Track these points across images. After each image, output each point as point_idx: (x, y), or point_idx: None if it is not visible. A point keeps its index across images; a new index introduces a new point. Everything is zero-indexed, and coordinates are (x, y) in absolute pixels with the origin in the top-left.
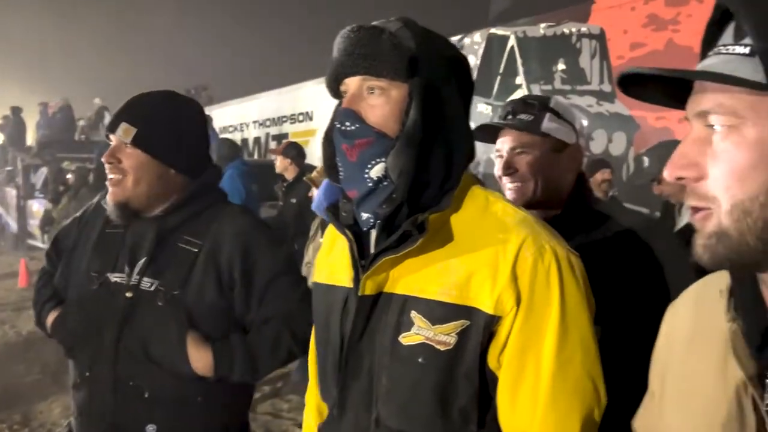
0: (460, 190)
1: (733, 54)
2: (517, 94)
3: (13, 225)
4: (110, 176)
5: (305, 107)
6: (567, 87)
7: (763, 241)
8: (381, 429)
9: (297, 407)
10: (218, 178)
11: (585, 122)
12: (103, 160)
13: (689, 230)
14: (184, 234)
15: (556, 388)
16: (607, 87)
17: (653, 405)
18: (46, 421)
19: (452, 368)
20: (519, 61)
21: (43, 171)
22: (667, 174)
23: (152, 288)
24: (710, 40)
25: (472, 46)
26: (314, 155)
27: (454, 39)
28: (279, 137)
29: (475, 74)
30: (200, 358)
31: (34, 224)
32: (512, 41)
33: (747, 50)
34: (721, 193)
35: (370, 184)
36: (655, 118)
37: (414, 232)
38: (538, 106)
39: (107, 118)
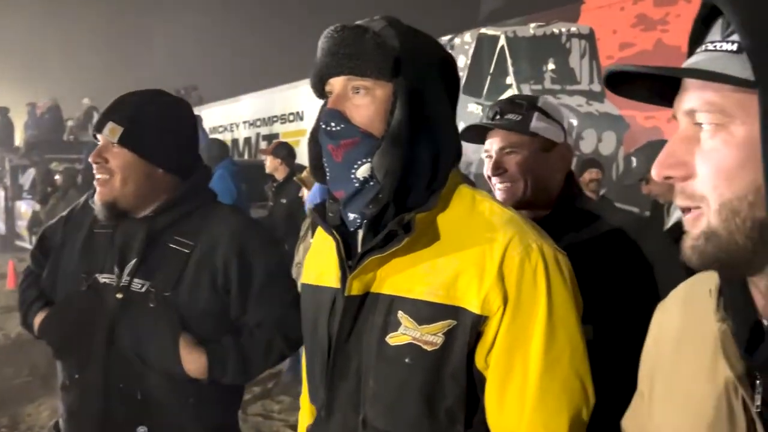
0: (447, 189)
1: (720, 51)
2: (508, 94)
3: (1, 226)
4: (97, 176)
5: (296, 107)
6: (557, 87)
7: (753, 240)
8: (368, 430)
9: (288, 408)
10: (208, 179)
11: (574, 122)
12: (90, 159)
13: (678, 229)
14: (174, 234)
15: (543, 387)
16: (596, 87)
17: (642, 405)
18: (34, 424)
19: (439, 368)
20: (509, 61)
21: (31, 172)
22: (655, 173)
23: (143, 289)
24: (697, 37)
25: (463, 46)
26: (305, 155)
27: (445, 39)
28: (269, 137)
29: (465, 74)
30: (193, 361)
31: (22, 225)
32: (502, 41)
33: (734, 47)
34: (709, 192)
35: (357, 185)
36: (644, 118)
37: (400, 232)
38: (526, 105)
39: (96, 119)
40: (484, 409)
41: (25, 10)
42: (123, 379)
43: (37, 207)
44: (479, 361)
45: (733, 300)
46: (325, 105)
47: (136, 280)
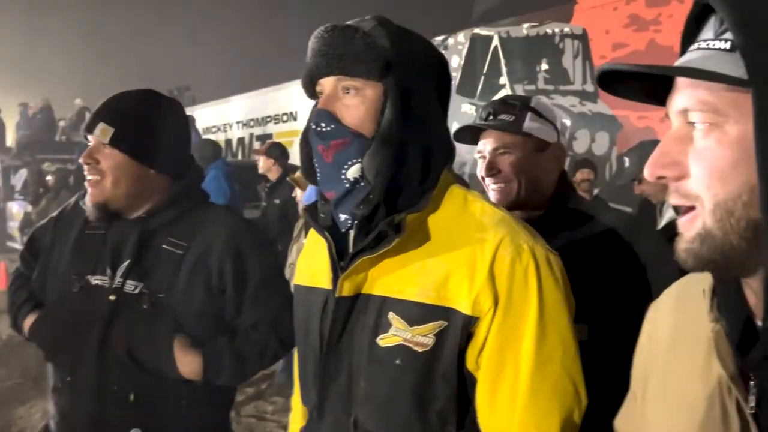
0: (438, 190)
1: (713, 49)
2: (501, 94)
3: None
4: (89, 177)
5: (289, 107)
6: (550, 87)
7: (747, 241)
8: (359, 431)
9: (281, 409)
10: (201, 179)
11: (567, 122)
12: (80, 161)
13: (671, 229)
14: (168, 236)
15: (534, 388)
16: (589, 87)
17: (635, 405)
18: (25, 426)
19: (430, 370)
20: (502, 61)
21: (23, 172)
22: (648, 173)
23: (137, 291)
24: (690, 36)
25: (456, 46)
26: (298, 156)
27: (438, 39)
28: (263, 138)
29: (459, 74)
30: (188, 363)
31: (13, 226)
32: (496, 41)
33: (728, 45)
34: (703, 192)
35: (347, 185)
36: (637, 118)
37: (390, 233)
38: (519, 106)
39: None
40: (476, 410)
41: (17, 10)
42: (116, 381)
43: (29, 208)
44: (470, 362)
45: (727, 300)
46: (316, 105)
47: (129, 281)
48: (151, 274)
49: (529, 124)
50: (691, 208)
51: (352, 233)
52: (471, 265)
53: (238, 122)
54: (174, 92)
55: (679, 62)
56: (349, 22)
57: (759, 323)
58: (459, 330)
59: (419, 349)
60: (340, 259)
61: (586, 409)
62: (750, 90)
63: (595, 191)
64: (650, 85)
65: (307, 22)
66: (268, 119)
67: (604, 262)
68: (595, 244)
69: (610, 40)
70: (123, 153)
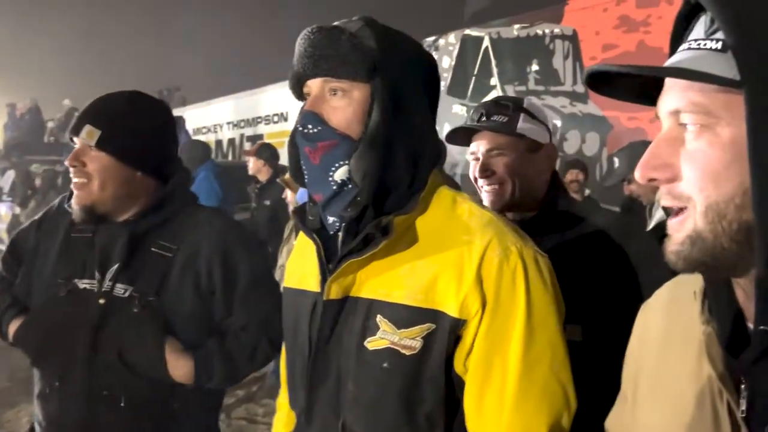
0: (427, 191)
1: (704, 49)
2: (492, 95)
3: None
4: (75, 180)
5: (280, 108)
6: (540, 88)
7: (738, 243)
8: None
9: (272, 412)
10: (189, 181)
11: (558, 122)
12: (66, 163)
13: (661, 229)
14: (157, 238)
15: (522, 390)
16: (580, 88)
17: (625, 406)
18: (13, 430)
19: (418, 373)
20: (493, 62)
21: (11, 174)
22: (639, 175)
23: (126, 294)
24: (679, 35)
25: (447, 47)
26: None
27: (429, 40)
28: (254, 138)
29: (449, 75)
30: (180, 367)
31: (2, 228)
32: (486, 42)
33: (719, 45)
34: (695, 193)
35: (335, 188)
36: (627, 119)
37: (378, 235)
38: (512, 107)
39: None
40: (464, 413)
41: (4, 11)
42: (107, 385)
43: (17, 210)
44: (458, 365)
45: (718, 302)
46: (303, 107)
47: (118, 285)
48: (140, 277)
49: (523, 125)
50: (682, 210)
51: (340, 235)
52: (459, 267)
53: (228, 123)
54: (164, 93)
55: (669, 62)
56: (335, 23)
57: (750, 325)
58: (447, 333)
59: (407, 352)
60: (329, 262)
61: (578, 410)
62: (742, 91)
63: (587, 192)
64: (640, 85)
65: (302, 22)
66: (259, 120)
67: (597, 262)
68: (587, 245)
69: (600, 41)
70: (110, 155)
